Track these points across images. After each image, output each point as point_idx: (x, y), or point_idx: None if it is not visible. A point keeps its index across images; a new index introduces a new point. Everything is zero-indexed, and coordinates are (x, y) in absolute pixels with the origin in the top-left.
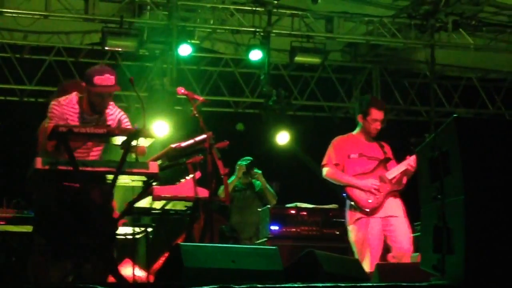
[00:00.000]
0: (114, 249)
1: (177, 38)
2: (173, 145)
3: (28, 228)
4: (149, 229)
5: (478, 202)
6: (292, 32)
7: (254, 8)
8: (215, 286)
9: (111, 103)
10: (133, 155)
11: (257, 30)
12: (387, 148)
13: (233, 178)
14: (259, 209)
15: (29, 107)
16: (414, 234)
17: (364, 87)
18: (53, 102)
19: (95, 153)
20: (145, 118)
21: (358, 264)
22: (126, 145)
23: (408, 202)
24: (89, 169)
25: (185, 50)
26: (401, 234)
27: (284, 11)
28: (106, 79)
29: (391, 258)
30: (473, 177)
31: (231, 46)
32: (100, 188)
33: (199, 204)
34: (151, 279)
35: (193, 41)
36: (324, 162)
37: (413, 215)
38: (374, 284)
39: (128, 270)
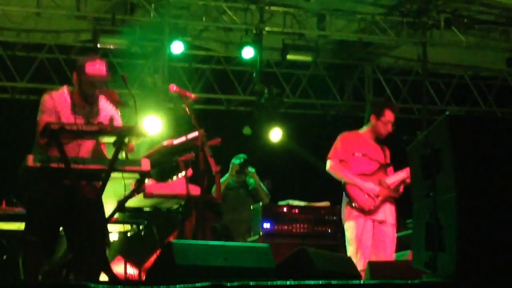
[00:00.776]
0: (106, 246)
1: (169, 36)
2: (165, 143)
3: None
4: (141, 227)
5: (469, 199)
6: (284, 30)
7: (246, 6)
8: (207, 284)
9: (103, 96)
10: (123, 153)
11: (249, 27)
12: (387, 153)
13: (226, 176)
14: (252, 207)
15: (20, 104)
16: (405, 232)
17: (356, 85)
18: (44, 95)
19: (87, 147)
20: (137, 115)
21: (350, 262)
22: (118, 143)
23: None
24: (80, 166)
25: (177, 47)
26: (388, 242)
27: (276, 8)
28: (98, 68)
29: None
30: (465, 174)
31: (223, 44)
32: (92, 185)
33: (191, 201)
34: (143, 276)
35: (185, 39)
36: (330, 155)
37: (404, 212)
38: (366, 282)
39: (120, 267)
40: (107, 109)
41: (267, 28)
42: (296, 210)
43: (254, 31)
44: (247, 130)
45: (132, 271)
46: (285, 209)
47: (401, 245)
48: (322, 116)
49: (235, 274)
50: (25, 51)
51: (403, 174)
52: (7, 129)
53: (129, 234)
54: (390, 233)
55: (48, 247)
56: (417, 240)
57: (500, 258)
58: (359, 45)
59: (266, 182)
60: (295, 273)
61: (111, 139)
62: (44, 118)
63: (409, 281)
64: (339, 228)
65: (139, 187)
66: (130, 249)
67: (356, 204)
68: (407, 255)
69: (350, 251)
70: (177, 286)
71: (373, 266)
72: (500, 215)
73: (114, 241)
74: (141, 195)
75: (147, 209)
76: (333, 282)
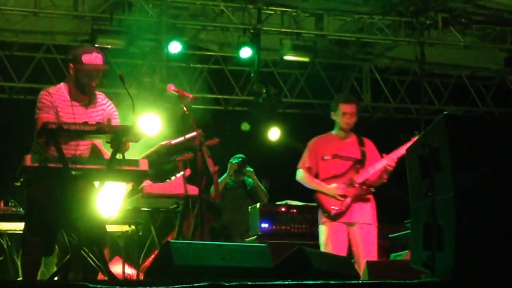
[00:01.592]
0: (104, 246)
1: (167, 36)
2: (163, 143)
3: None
4: (139, 227)
5: (468, 199)
6: (282, 30)
7: (244, 6)
8: (205, 284)
9: (101, 94)
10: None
11: (247, 27)
12: (369, 146)
13: (224, 176)
14: (250, 207)
15: (18, 104)
16: (403, 232)
17: (354, 85)
18: (41, 92)
19: (85, 146)
20: (135, 115)
21: (348, 262)
22: (116, 143)
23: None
24: (79, 166)
25: (175, 47)
26: (365, 242)
27: (274, 8)
28: (95, 58)
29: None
30: (463, 174)
31: (221, 44)
32: (90, 185)
33: (189, 201)
34: (141, 276)
35: (183, 39)
36: (298, 165)
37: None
38: (364, 282)
39: (118, 267)
40: (106, 104)
41: (265, 28)
42: (294, 210)
43: (252, 31)
44: (245, 126)
45: (130, 271)
46: (283, 209)
47: (399, 245)
48: (320, 116)
49: (233, 274)
50: (22, 51)
51: (378, 166)
52: (5, 129)
53: (127, 234)
54: (365, 234)
55: (47, 247)
56: (415, 240)
57: (498, 258)
58: (356, 45)
59: (264, 182)
60: (293, 273)
61: (108, 139)
62: (42, 115)
63: (407, 281)
64: None
65: (137, 187)
66: (128, 249)
67: (324, 209)
68: (405, 255)
69: None
70: (175, 286)
71: (371, 266)
72: (498, 215)
73: (112, 241)
74: (139, 195)
75: (145, 209)
76: (331, 282)
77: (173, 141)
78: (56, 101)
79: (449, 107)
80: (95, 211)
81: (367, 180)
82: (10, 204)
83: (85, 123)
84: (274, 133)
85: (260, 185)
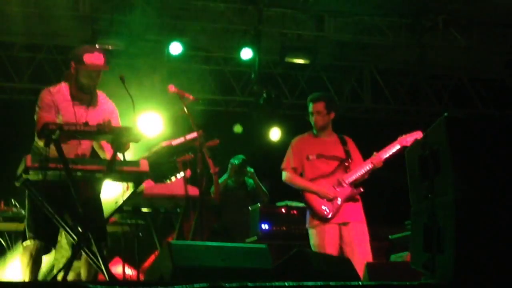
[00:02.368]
0: (104, 247)
1: (167, 36)
2: (163, 143)
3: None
4: (139, 227)
5: (468, 201)
6: (283, 31)
7: (244, 7)
8: (205, 285)
9: (103, 93)
10: (120, 155)
11: (248, 28)
12: (351, 144)
13: (225, 176)
14: (250, 208)
15: (19, 105)
16: (403, 234)
17: (354, 87)
18: (42, 91)
19: (86, 146)
20: (135, 116)
21: (348, 263)
22: (116, 143)
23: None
24: (79, 166)
25: (175, 48)
26: (357, 241)
27: (274, 9)
28: (96, 57)
29: None
30: (463, 176)
31: (221, 45)
32: (91, 185)
33: (190, 202)
34: (141, 277)
35: (183, 40)
36: (282, 165)
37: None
38: (365, 283)
39: (118, 268)
40: (106, 104)
41: (265, 29)
42: (295, 211)
43: (253, 32)
44: (238, 128)
45: (130, 271)
46: (283, 210)
47: (399, 246)
48: None
49: (233, 275)
50: (23, 52)
51: (367, 165)
52: (6, 129)
53: (127, 235)
54: (358, 232)
55: (47, 248)
56: (416, 242)
57: (498, 260)
58: (357, 47)
59: (264, 183)
60: (293, 274)
61: (109, 140)
62: (43, 114)
63: (407, 283)
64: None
65: (137, 188)
66: (128, 250)
67: (315, 211)
68: (405, 256)
69: None
70: (175, 286)
71: (371, 267)
72: (498, 217)
73: (112, 241)
74: (139, 196)
75: (145, 209)
76: (332, 283)
77: (174, 142)
78: (57, 101)
79: (449, 109)
80: (95, 211)
81: (356, 178)
82: (10, 204)
83: (86, 124)
84: (275, 134)
85: (261, 185)
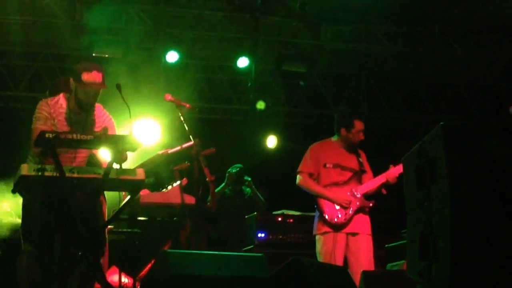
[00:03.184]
0: (101, 255)
1: (164, 45)
2: (160, 152)
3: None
4: (136, 236)
5: (464, 209)
6: (279, 39)
7: (241, 15)
8: None
9: (100, 105)
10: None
11: (244, 37)
12: (363, 158)
13: (222, 185)
14: (247, 216)
15: (15, 113)
16: (400, 242)
17: (351, 94)
18: (40, 102)
19: (82, 155)
20: (132, 125)
21: (344, 272)
22: (112, 152)
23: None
24: (75, 175)
25: (172, 57)
26: (363, 253)
27: (271, 18)
28: (94, 76)
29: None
30: (460, 184)
31: (218, 53)
32: (88, 194)
33: (186, 211)
34: (138, 286)
35: (180, 48)
36: (299, 168)
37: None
38: None
39: (115, 277)
40: (102, 117)
41: (262, 38)
42: (291, 220)
43: (249, 41)
44: (260, 105)
45: (127, 280)
46: (279, 219)
47: (395, 255)
48: (317, 125)
49: (230, 284)
50: (20, 60)
51: (381, 179)
52: (2, 137)
53: (124, 243)
54: (365, 244)
55: (44, 256)
56: (412, 250)
57: (494, 268)
58: (353, 55)
59: (261, 191)
60: (290, 282)
61: (105, 149)
62: (39, 125)
63: None
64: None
65: (133, 197)
66: (125, 258)
67: (327, 218)
68: (402, 265)
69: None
70: None
71: (367, 276)
72: (495, 226)
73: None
74: (136, 204)
75: (142, 218)
76: None
77: (170, 151)
78: (55, 113)
79: (446, 116)
80: (93, 220)
81: (369, 191)
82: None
83: (82, 132)
84: (271, 141)
85: (258, 194)
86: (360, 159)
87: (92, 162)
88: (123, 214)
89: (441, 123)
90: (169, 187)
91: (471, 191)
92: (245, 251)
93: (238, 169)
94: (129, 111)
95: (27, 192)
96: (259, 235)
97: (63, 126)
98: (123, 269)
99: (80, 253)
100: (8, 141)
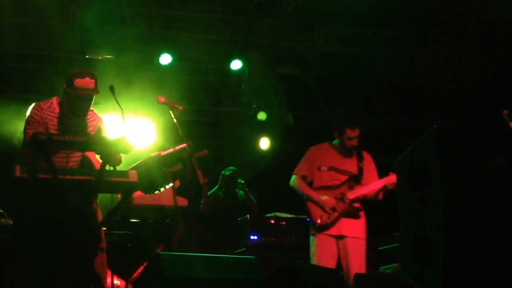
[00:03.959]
0: (94, 257)
1: (157, 47)
2: (152, 154)
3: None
4: (128, 238)
5: (457, 212)
6: (273, 42)
7: (234, 18)
8: None
9: (92, 109)
10: (109, 166)
11: (238, 39)
12: (368, 161)
13: (215, 188)
14: (239, 219)
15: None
16: (393, 245)
17: (345, 97)
18: (33, 105)
19: (75, 158)
20: (124, 127)
21: (336, 274)
22: (105, 154)
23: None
24: (68, 177)
25: (165, 59)
26: (352, 257)
27: (264, 20)
28: (87, 83)
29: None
30: (452, 187)
31: (211, 55)
32: (81, 196)
33: (179, 213)
34: None
35: (173, 50)
36: (294, 170)
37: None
38: None
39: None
40: (95, 121)
41: (255, 40)
42: (284, 222)
43: (242, 43)
44: (261, 115)
45: (119, 283)
46: (272, 221)
47: (388, 257)
48: (311, 128)
49: (222, 286)
50: (13, 62)
51: (376, 185)
52: None
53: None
54: (354, 247)
55: (36, 259)
56: (405, 253)
57: (487, 271)
58: (347, 58)
59: (254, 194)
60: (282, 285)
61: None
62: (31, 131)
63: None
64: None
65: (126, 198)
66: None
67: (311, 219)
68: (394, 268)
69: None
70: None
71: (359, 279)
72: (488, 229)
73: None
74: (128, 206)
75: (134, 220)
76: None
77: (163, 153)
78: (47, 117)
79: (439, 120)
80: (86, 223)
81: (360, 196)
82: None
83: (75, 135)
84: (264, 144)
85: (251, 197)
86: (361, 164)
87: (86, 163)
88: (116, 216)
89: (434, 126)
90: (162, 189)
91: (464, 194)
92: (238, 254)
93: (231, 171)
94: (122, 113)
95: (19, 193)
96: (252, 237)
97: (55, 130)
98: (116, 272)
99: (73, 256)
100: (2, 143)
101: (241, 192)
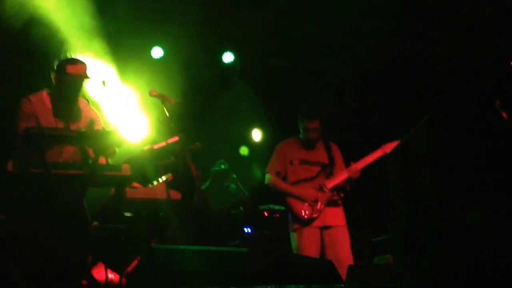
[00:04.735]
0: (87, 251)
1: (149, 40)
2: (145, 148)
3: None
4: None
5: (449, 204)
6: (264, 34)
7: (226, 11)
8: None
9: (85, 101)
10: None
11: (229, 32)
12: (335, 150)
13: (208, 182)
14: (233, 211)
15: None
16: (386, 236)
17: (336, 89)
18: (23, 99)
19: (69, 150)
20: (117, 120)
21: (330, 265)
22: (97, 148)
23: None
24: (61, 171)
25: (157, 52)
26: (339, 245)
27: (256, 13)
28: (78, 68)
29: None
30: (445, 178)
31: (203, 48)
32: (73, 190)
33: (172, 206)
34: (124, 282)
35: (165, 43)
36: (266, 169)
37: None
38: (346, 286)
39: (101, 273)
40: (88, 111)
41: (247, 32)
42: (277, 214)
43: (234, 36)
44: (243, 151)
45: (113, 276)
46: (265, 214)
47: (382, 249)
48: None
49: (216, 279)
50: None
51: (346, 173)
52: None
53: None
54: (340, 235)
55: (29, 253)
56: (397, 244)
57: (479, 262)
58: (339, 50)
59: (246, 187)
60: (276, 277)
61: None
62: (22, 125)
63: (389, 284)
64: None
65: (120, 192)
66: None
67: (295, 214)
68: (387, 259)
69: None
70: None
71: (353, 270)
72: (479, 220)
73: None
74: (121, 200)
75: (127, 214)
76: (314, 286)
77: (156, 146)
78: (38, 110)
79: (432, 113)
80: (78, 216)
81: (338, 184)
82: None
83: (67, 129)
84: (256, 135)
85: (243, 190)
86: (331, 153)
87: (85, 156)
88: (109, 210)
89: (426, 117)
90: (155, 183)
91: (456, 185)
92: (231, 246)
93: (223, 165)
94: (114, 107)
95: (12, 188)
96: (245, 230)
97: (46, 123)
98: (109, 265)
99: (65, 250)
100: None
101: (233, 185)
